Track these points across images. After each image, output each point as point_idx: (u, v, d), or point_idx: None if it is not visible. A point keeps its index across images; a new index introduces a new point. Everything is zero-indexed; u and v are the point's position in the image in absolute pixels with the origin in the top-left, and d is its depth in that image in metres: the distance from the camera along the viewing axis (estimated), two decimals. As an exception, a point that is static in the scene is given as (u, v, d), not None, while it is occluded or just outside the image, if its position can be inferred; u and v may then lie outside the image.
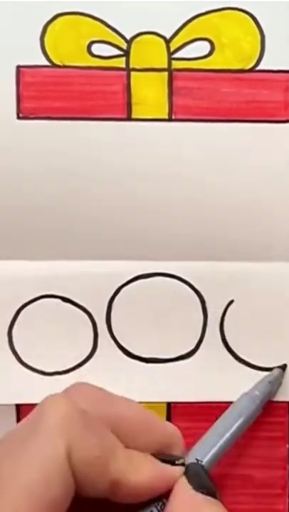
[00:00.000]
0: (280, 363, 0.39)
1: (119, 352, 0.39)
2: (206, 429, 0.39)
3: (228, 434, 0.35)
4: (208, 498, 0.31)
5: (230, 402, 0.38)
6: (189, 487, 0.31)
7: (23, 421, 0.30)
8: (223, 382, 0.39)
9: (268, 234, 0.38)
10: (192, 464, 0.33)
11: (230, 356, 0.39)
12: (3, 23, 0.38)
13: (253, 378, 0.38)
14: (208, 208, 0.38)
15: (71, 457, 0.28)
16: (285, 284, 0.39)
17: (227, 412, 0.36)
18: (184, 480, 0.31)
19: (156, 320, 0.38)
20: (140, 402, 0.38)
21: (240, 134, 0.38)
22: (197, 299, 0.39)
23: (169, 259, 0.38)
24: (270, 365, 0.39)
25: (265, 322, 0.39)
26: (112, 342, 0.39)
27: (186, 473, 0.32)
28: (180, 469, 0.32)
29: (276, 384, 0.38)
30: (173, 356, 0.39)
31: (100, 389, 0.33)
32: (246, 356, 0.39)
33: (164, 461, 0.32)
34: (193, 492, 0.31)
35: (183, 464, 0.32)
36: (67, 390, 0.32)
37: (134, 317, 0.39)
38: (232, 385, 0.38)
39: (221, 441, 0.34)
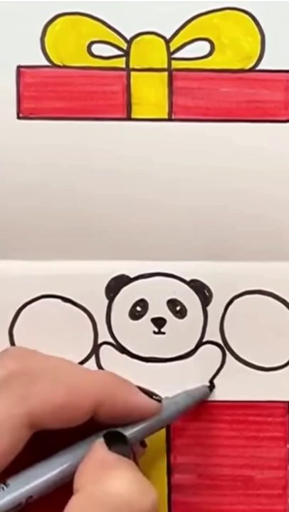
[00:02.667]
0: (281, 363, 0.39)
1: (119, 351, 0.39)
2: (206, 429, 0.39)
3: (154, 420, 0.35)
4: (122, 458, 0.32)
5: (231, 402, 0.38)
6: (105, 447, 0.32)
7: None
8: (223, 382, 0.39)
9: (269, 234, 0.38)
10: (114, 431, 0.33)
11: (230, 356, 0.39)
12: (3, 23, 0.38)
13: (253, 378, 0.38)
14: (208, 207, 0.38)
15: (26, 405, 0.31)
16: (285, 284, 0.39)
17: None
18: (100, 441, 0.33)
19: (156, 320, 0.38)
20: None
21: (241, 134, 0.38)
22: (197, 298, 0.39)
23: (169, 259, 0.38)
24: (271, 365, 0.38)
25: (266, 322, 0.39)
26: (112, 341, 0.39)
27: (105, 436, 0.33)
28: (157, 403, 0.34)
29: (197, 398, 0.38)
30: (172, 356, 0.39)
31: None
32: (246, 356, 0.39)
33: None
34: (107, 452, 0.32)
35: (159, 401, 0.35)
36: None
37: (134, 317, 0.39)
38: (232, 385, 0.38)
39: (147, 423, 0.35)
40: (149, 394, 0.35)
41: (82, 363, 0.39)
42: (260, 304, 0.39)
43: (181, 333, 0.39)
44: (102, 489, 0.30)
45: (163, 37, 0.38)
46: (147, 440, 0.36)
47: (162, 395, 0.36)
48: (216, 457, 0.38)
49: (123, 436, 0.33)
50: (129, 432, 0.34)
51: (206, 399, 0.38)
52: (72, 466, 0.32)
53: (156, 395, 0.35)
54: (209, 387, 0.38)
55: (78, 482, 0.31)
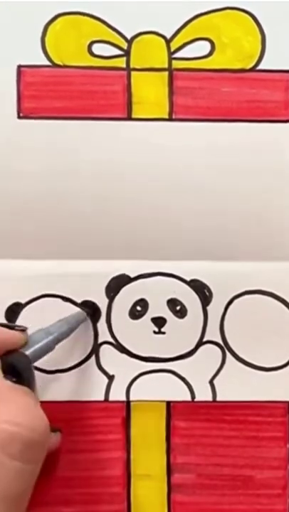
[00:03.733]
0: (281, 363, 0.38)
1: (119, 351, 0.39)
2: (206, 428, 0.39)
3: (52, 337, 0.36)
4: (17, 386, 0.32)
5: (231, 401, 0.38)
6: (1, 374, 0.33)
7: None
8: (223, 382, 0.39)
9: (269, 233, 0.38)
10: (13, 355, 0.34)
11: (230, 356, 0.39)
12: (4, 23, 0.38)
13: (253, 378, 0.38)
14: (208, 207, 0.38)
15: None
16: (285, 284, 0.38)
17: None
18: None
19: (156, 320, 0.38)
20: (140, 401, 0.38)
21: (241, 133, 0.38)
22: (197, 298, 0.39)
23: (170, 259, 0.38)
24: (270, 365, 0.38)
25: (266, 322, 0.39)
26: (112, 341, 0.39)
27: (1, 361, 0.33)
28: (21, 333, 0.35)
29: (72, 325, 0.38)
30: (173, 356, 0.39)
31: None
32: (246, 356, 0.39)
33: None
34: (2, 379, 0.32)
35: (23, 330, 0.35)
36: None
37: (134, 316, 0.39)
38: (232, 385, 0.38)
39: (46, 340, 0.35)
40: (11, 327, 0.36)
41: (82, 362, 0.39)
42: (260, 304, 0.39)
43: (181, 332, 0.39)
44: None
45: (163, 37, 0.38)
46: (147, 440, 0.37)
47: (159, 396, 0.37)
48: (215, 457, 0.38)
49: (19, 364, 0.34)
50: (30, 353, 0.34)
51: (84, 323, 0.38)
52: None
53: (20, 326, 0.36)
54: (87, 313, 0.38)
55: None
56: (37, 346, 0.35)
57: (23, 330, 0.35)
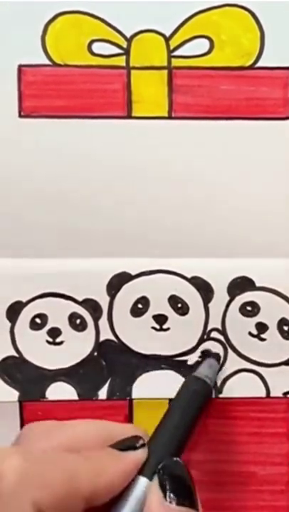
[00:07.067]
0: (283, 359, 0.39)
1: (121, 349, 0.39)
2: (208, 425, 0.39)
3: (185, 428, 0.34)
4: (182, 509, 0.30)
5: (233, 398, 0.38)
6: (160, 496, 0.30)
7: None
8: (225, 378, 0.39)
9: (269, 231, 0.39)
10: (164, 465, 0.31)
11: (232, 353, 0.39)
12: (4, 23, 0.38)
13: (255, 374, 0.39)
14: (208, 204, 0.38)
15: (41, 508, 0.27)
16: (286, 281, 0.39)
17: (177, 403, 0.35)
18: (155, 488, 0.31)
19: (158, 317, 0.39)
20: (142, 399, 0.38)
21: (240, 131, 0.38)
22: (198, 295, 0.39)
23: (170, 256, 0.39)
24: (272, 361, 0.39)
25: (267, 318, 0.39)
26: (114, 339, 0.39)
27: (158, 472, 0.31)
28: (143, 452, 0.32)
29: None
30: (174, 353, 0.39)
31: (51, 420, 0.33)
32: (248, 353, 0.39)
33: (125, 447, 0.32)
34: (165, 504, 0.30)
35: (144, 445, 0.32)
36: (17, 437, 0.33)
37: (135, 314, 0.39)
38: (233, 382, 0.39)
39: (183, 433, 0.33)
40: (131, 447, 0.32)
41: (84, 360, 0.39)
42: (261, 301, 0.39)
43: (183, 330, 0.39)
44: None
45: (163, 35, 0.38)
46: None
47: (161, 393, 0.37)
48: (218, 453, 0.38)
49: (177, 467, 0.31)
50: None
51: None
52: None
53: (138, 440, 0.32)
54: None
55: None
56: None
57: (144, 445, 0.32)
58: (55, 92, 0.38)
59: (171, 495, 0.30)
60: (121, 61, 0.38)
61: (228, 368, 0.39)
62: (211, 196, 0.38)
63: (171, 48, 0.38)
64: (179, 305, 0.39)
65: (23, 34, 0.38)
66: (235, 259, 0.39)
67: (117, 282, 0.39)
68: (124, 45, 0.38)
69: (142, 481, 0.31)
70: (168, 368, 0.39)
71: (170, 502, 0.30)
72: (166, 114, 0.38)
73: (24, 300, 0.39)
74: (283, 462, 0.39)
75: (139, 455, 0.32)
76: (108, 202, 0.38)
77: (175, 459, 0.32)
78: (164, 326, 0.39)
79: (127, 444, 0.32)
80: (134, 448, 0.32)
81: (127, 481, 0.31)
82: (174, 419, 0.34)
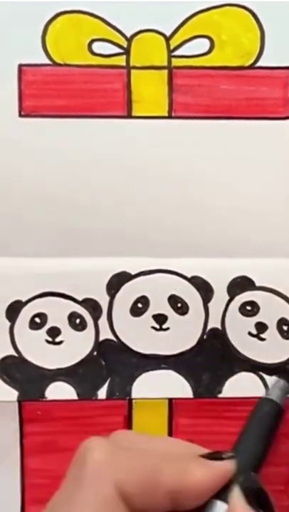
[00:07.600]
0: (282, 359, 0.39)
1: (121, 348, 0.39)
2: (208, 425, 0.39)
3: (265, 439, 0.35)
4: None
5: (233, 398, 0.38)
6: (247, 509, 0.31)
7: (70, 467, 0.31)
8: (224, 379, 0.39)
9: (269, 231, 0.39)
10: (246, 479, 0.32)
11: (231, 353, 0.39)
12: (4, 22, 0.38)
13: (253, 375, 0.38)
14: (208, 204, 0.38)
15: (122, 489, 0.29)
16: (286, 280, 0.39)
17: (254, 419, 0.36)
18: (240, 501, 0.31)
19: (158, 316, 0.39)
20: (141, 399, 0.38)
21: (240, 131, 0.38)
22: (198, 295, 0.39)
23: (170, 256, 0.39)
24: (272, 361, 0.38)
25: (267, 318, 0.39)
26: (114, 338, 0.39)
27: (242, 485, 0.31)
28: (231, 463, 0.32)
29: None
30: (174, 353, 0.39)
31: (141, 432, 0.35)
32: (248, 352, 0.39)
33: (212, 458, 0.32)
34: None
35: (232, 457, 0.32)
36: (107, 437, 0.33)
37: (135, 313, 0.39)
38: (233, 382, 0.38)
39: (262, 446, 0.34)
40: (218, 458, 0.32)
41: (83, 360, 0.39)
42: (261, 301, 0.39)
43: (183, 329, 0.39)
44: None
45: (163, 34, 0.38)
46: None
47: (161, 393, 0.37)
48: (218, 453, 0.38)
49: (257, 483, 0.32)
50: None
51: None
52: None
53: (225, 454, 0.33)
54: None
55: None
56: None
57: (231, 457, 0.32)
58: (56, 91, 0.38)
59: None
60: (121, 61, 0.38)
61: (227, 368, 0.39)
62: (211, 196, 0.38)
63: (172, 47, 0.38)
64: (179, 305, 0.39)
65: (23, 34, 0.38)
66: (235, 259, 0.39)
67: (117, 282, 0.39)
68: (125, 44, 0.38)
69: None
70: (168, 368, 0.39)
71: None
72: (166, 114, 0.38)
73: (24, 299, 0.39)
74: (285, 462, 0.39)
75: (228, 465, 0.32)
76: (108, 202, 0.38)
77: (254, 473, 0.33)
78: (164, 326, 0.39)
79: (214, 456, 0.32)
80: (221, 459, 0.32)
81: (217, 487, 0.31)
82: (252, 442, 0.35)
